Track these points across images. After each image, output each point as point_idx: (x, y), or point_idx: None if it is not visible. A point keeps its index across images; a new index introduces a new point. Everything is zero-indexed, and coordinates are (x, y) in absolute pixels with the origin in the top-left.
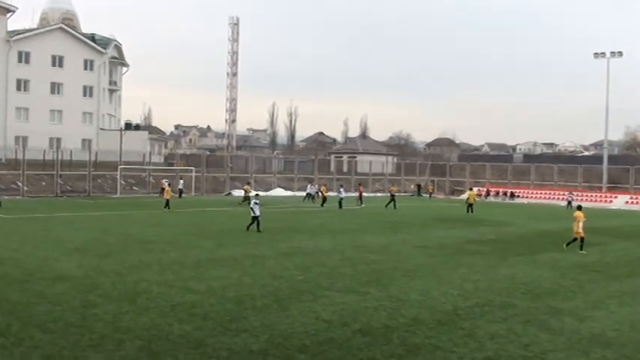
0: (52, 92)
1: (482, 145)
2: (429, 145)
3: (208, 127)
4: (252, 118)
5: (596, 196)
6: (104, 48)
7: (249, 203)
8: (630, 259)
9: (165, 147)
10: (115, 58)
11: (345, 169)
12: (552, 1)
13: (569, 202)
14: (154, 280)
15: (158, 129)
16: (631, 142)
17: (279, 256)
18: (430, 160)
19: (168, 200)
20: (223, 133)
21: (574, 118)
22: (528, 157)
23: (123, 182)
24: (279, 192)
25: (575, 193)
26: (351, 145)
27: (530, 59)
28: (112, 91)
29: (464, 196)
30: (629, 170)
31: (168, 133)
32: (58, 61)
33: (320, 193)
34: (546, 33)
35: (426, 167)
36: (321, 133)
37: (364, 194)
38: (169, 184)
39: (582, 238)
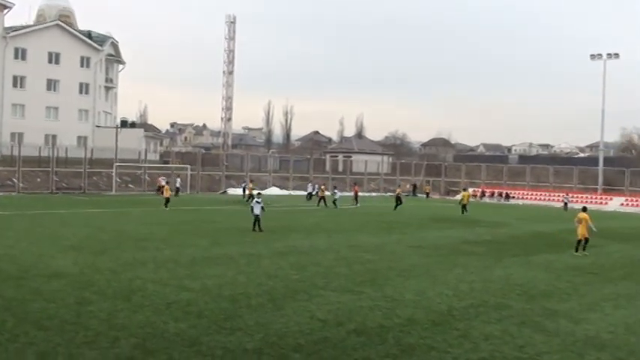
0: (48, 89)
1: (478, 146)
2: (424, 145)
3: (204, 125)
4: (247, 116)
5: (591, 197)
6: (100, 45)
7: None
8: (625, 262)
9: (161, 145)
10: (112, 55)
11: (340, 168)
12: (549, 1)
13: (566, 204)
14: (149, 278)
15: (154, 127)
16: (627, 143)
17: (274, 255)
18: (425, 160)
19: (168, 199)
20: (219, 132)
21: (570, 120)
22: (524, 158)
23: (118, 180)
24: (274, 191)
25: (570, 195)
26: (347, 145)
27: (527, 60)
28: (108, 89)
29: (458, 197)
30: (625, 172)
31: (163, 131)
32: (54, 58)
33: (319, 192)
34: (543, 34)
35: (422, 167)
36: (317, 133)
37: (359, 194)
38: (167, 182)
39: (586, 240)
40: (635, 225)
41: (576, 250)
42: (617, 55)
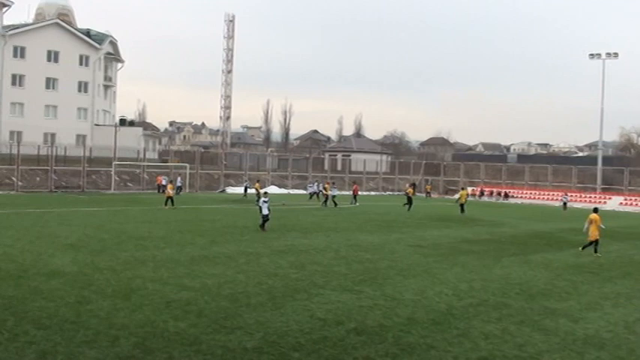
0: (47, 87)
1: (477, 145)
2: (423, 144)
3: (203, 123)
4: (246, 115)
5: (590, 197)
6: (99, 44)
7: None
8: (625, 261)
9: (160, 143)
10: (110, 53)
11: (339, 167)
12: (549, 2)
13: (565, 204)
14: (149, 277)
15: (152, 125)
16: (625, 143)
17: (273, 254)
18: (424, 159)
19: (172, 198)
20: (218, 130)
21: (568, 119)
22: (522, 158)
23: (117, 178)
24: (273, 190)
25: (569, 194)
26: (346, 144)
27: (525, 59)
28: (106, 87)
29: (456, 196)
30: (624, 171)
31: (162, 130)
32: (53, 57)
33: (323, 192)
34: (542, 33)
35: (420, 166)
36: (316, 131)
37: (359, 193)
38: (171, 181)
39: (597, 241)
40: (634, 224)
41: (595, 251)
42: (616, 55)
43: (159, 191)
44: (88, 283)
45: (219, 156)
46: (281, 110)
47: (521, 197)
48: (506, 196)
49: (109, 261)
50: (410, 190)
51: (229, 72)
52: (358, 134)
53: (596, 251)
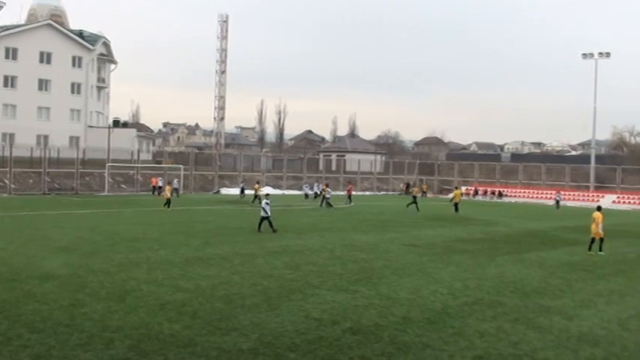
0: (40, 89)
1: (471, 145)
2: (417, 144)
3: (197, 124)
4: (240, 116)
5: (583, 195)
6: (92, 45)
7: (260, 202)
8: (618, 259)
9: (154, 145)
10: (104, 55)
11: (333, 167)
12: (541, 1)
13: (557, 202)
14: (143, 279)
15: (146, 127)
16: (618, 141)
17: (268, 255)
18: (418, 159)
19: (169, 199)
20: (212, 131)
21: (561, 118)
22: (516, 157)
23: (111, 180)
24: (267, 191)
25: (562, 193)
26: (340, 144)
27: (519, 59)
28: (100, 88)
29: (450, 196)
30: (616, 170)
31: (156, 131)
32: (45, 58)
33: (321, 192)
34: (535, 33)
35: (415, 166)
36: (310, 132)
37: (353, 193)
38: (169, 183)
39: (602, 239)
40: (626, 222)
41: (600, 249)
42: (608, 55)
43: (153, 193)
44: (82, 286)
45: (213, 157)
46: (275, 110)
47: (515, 196)
48: (500, 195)
49: (102, 263)
50: (416, 189)
51: (223, 72)
52: (352, 134)
53: (599, 248)
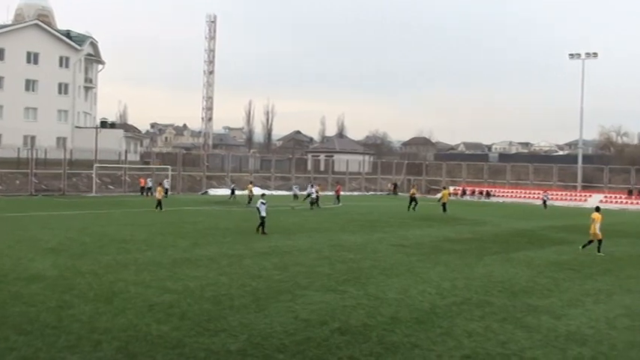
0: (27, 89)
1: (459, 145)
2: (405, 144)
3: (184, 125)
4: (228, 116)
5: (570, 195)
6: (80, 45)
7: (255, 202)
8: (605, 258)
9: (141, 145)
10: (91, 55)
11: (322, 168)
12: (529, 2)
13: (545, 202)
14: (131, 280)
15: (134, 127)
16: (605, 141)
17: (256, 256)
18: (406, 159)
19: (160, 200)
20: (199, 132)
21: (549, 118)
22: (504, 157)
23: (98, 181)
24: (256, 191)
25: (550, 193)
26: (328, 144)
27: (506, 60)
28: (87, 89)
29: (438, 196)
30: (604, 169)
31: (144, 132)
32: (33, 58)
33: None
34: (522, 34)
35: (403, 166)
36: (298, 132)
37: (341, 193)
38: (160, 184)
39: (600, 240)
40: (614, 221)
41: (598, 250)
42: (595, 55)
43: (142, 193)
44: (70, 287)
45: (201, 157)
46: (263, 111)
47: (503, 196)
48: (488, 195)
49: (90, 264)
50: (414, 190)
51: (211, 73)
52: (341, 135)
53: (599, 250)
